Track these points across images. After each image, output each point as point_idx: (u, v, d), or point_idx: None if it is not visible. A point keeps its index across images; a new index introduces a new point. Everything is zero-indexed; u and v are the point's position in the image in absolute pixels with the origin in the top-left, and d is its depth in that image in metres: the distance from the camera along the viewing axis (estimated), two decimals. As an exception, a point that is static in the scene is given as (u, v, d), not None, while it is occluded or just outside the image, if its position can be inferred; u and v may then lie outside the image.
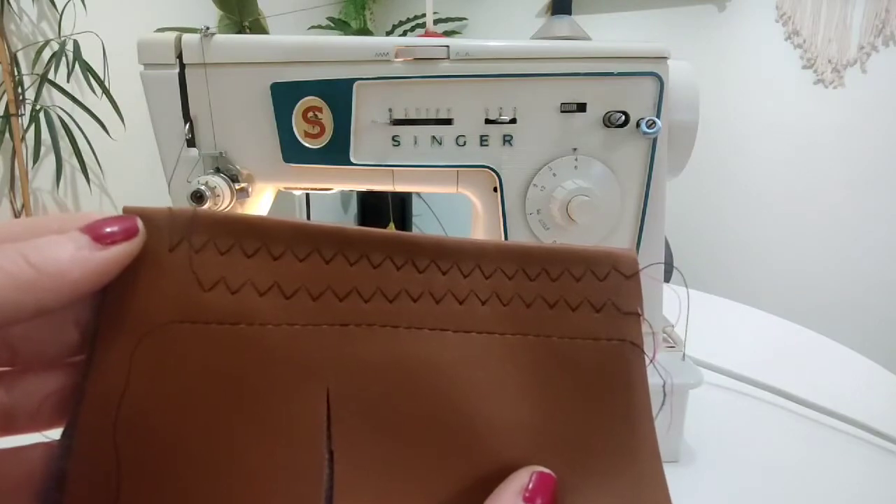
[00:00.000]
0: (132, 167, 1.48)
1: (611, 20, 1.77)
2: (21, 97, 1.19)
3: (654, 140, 0.37)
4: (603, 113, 0.37)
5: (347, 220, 2.33)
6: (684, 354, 0.42)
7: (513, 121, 0.37)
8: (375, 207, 2.07)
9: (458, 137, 0.38)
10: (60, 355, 0.17)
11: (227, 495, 0.14)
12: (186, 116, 0.38)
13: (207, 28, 0.37)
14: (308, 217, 1.93)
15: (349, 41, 0.37)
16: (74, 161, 1.31)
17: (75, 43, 1.24)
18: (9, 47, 1.15)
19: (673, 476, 0.38)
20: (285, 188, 0.44)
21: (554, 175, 0.38)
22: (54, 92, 1.26)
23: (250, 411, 0.15)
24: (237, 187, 0.39)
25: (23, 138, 1.19)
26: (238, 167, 0.40)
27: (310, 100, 0.37)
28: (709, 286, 0.83)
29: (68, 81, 1.27)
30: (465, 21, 2.01)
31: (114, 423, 0.14)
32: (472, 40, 0.37)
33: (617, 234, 0.39)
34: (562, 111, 0.37)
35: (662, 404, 0.25)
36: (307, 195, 1.92)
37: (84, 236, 0.15)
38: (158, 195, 1.52)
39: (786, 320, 0.66)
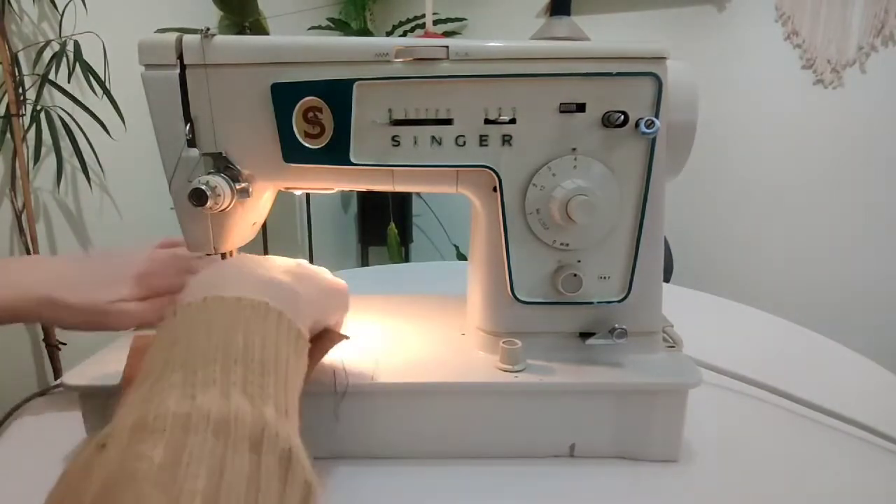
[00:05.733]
0: (133, 167, 1.48)
1: (610, 20, 1.77)
2: (22, 97, 1.19)
3: (653, 140, 0.38)
4: (602, 113, 0.37)
5: (347, 220, 2.33)
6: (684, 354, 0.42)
7: (512, 121, 0.38)
8: (375, 207, 2.07)
9: (457, 137, 0.38)
10: None
11: None
12: (187, 117, 0.38)
13: (208, 29, 0.37)
14: (308, 217, 1.93)
15: (349, 41, 0.37)
16: (75, 161, 1.31)
17: (76, 43, 1.24)
18: (9, 47, 1.15)
19: (673, 476, 0.38)
20: (285, 188, 0.44)
21: (553, 175, 0.38)
22: (55, 92, 1.26)
23: None
24: (238, 187, 0.39)
25: (24, 138, 1.19)
26: (238, 167, 0.40)
27: (310, 100, 0.37)
28: (709, 286, 0.83)
29: (69, 82, 1.27)
30: (464, 21, 2.01)
31: None
32: (472, 40, 0.37)
33: (616, 233, 0.39)
34: (561, 111, 0.37)
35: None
36: (307, 195, 1.92)
37: None
38: (159, 195, 1.52)
39: (786, 320, 0.66)
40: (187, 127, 0.38)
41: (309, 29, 2.00)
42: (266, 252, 1.71)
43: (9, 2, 1.16)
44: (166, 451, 0.19)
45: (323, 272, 0.38)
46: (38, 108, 1.21)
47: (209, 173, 0.39)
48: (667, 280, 1.33)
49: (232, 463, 0.19)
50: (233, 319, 0.26)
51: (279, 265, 0.34)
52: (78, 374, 0.38)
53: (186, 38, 0.37)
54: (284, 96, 0.37)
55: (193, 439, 0.19)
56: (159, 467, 0.18)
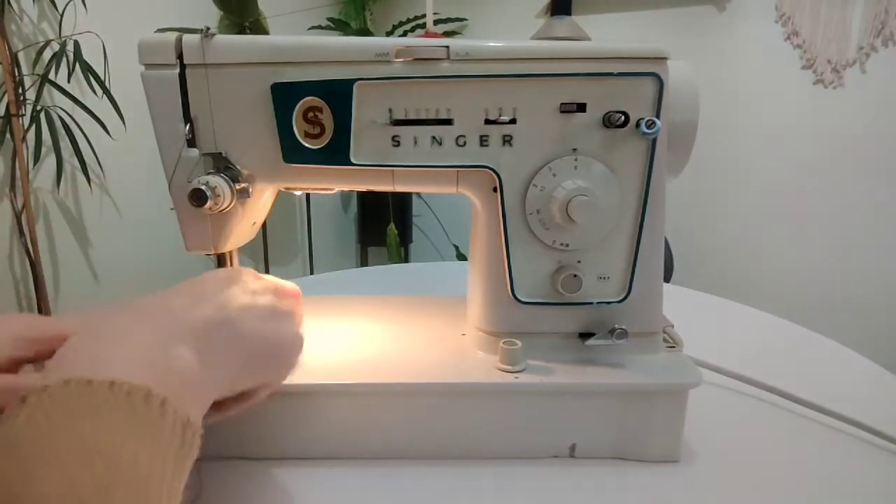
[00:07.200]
0: (133, 167, 1.48)
1: (611, 20, 1.77)
2: (22, 97, 1.19)
3: (654, 140, 0.38)
4: (603, 113, 0.37)
5: (347, 221, 2.33)
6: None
7: (513, 121, 0.37)
8: (375, 207, 2.07)
9: (458, 137, 0.38)
10: None
11: None
12: (187, 117, 0.38)
13: (208, 28, 0.37)
14: (308, 217, 1.92)
15: (349, 41, 0.37)
16: (75, 161, 1.31)
17: (76, 43, 1.24)
18: (9, 47, 1.15)
19: (673, 476, 0.38)
20: (285, 188, 0.44)
21: (554, 175, 0.38)
22: (55, 92, 1.26)
23: None
24: (237, 187, 0.39)
25: (23, 138, 1.19)
26: (238, 167, 0.40)
27: (310, 100, 0.37)
28: (709, 286, 0.83)
29: (69, 82, 1.27)
30: (465, 21, 2.01)
31: None
32: (472, 40, 0.37)
33: (616, 234, 0.39)
34: (561, 111, 0.37)
35: None
36: (307, 195, 1.92)
37: None
38: (159, 195, 1.52)
39: (785, 320, 0.66)
40: (187, 127, 0.38)
41: (309, 29, 2.00)
42: (266, 252, 1.70)
43: (9, 2, 1.16)
44: None
45: (271, 315, 0.32)
46: (38, 108, 1.21)
47: (209, 173, 0.38)
48: (667, 280, 1.33)
49: None
50: (96, 425, 0.20)
51: (193, 307, 0.28)
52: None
53: (186, 37, 0.37)
54: (284, 96, 0.37)
55: None
56: None
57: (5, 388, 0.25)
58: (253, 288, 0.33)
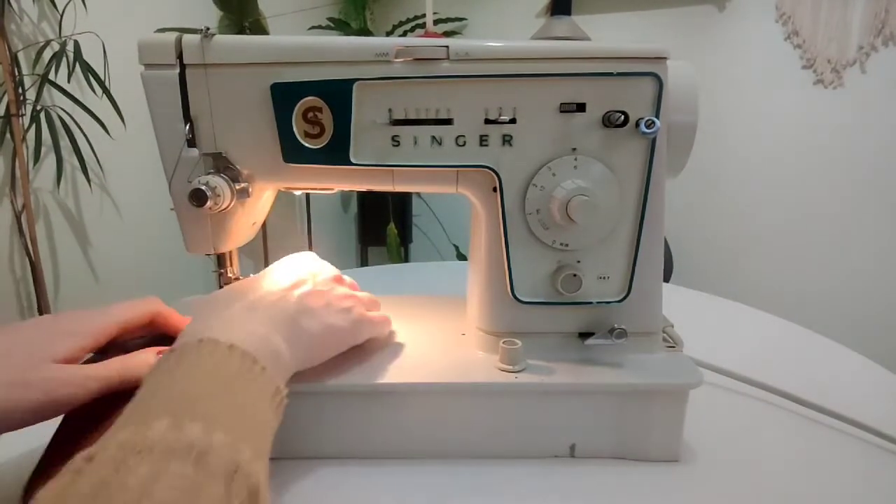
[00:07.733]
0: (133, 167, 1.48)
1: (611, 20, 1.77)
2: (22, 97, 1.19)
3: (654, 140, 0.38)
4: (602, 113, 0.37)
5: (347, 221, 2.33)
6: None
7: (512, 121, 0.38)
8: (375, 207, 2.07)
9: (457, 137, 0.38)
10: None
11: None
12: (187, 117, 0.38)
13: (208, 29, 0.37)
14: (308, 217, 1.92)
15: (349, 41, 0.37)
16: (75, 161, 1.31)
17: (76, 43, 1.24)
18: (9, 47, 1.15)
19: (673, 476, 0.38)
20: (285, 188, 0.44)
21: (553, 175, 0.38)
22: (55, 92, 1.26)
23: None
24: (237, 187, 0.39)
25: (23, 138, 1.19)
26: (238, 167, 0.40)
27: (310, 100, 0.37)
28: (709, 286, 0.83)
29: (69, 82, 1.27)
30: (465, 21, 2.01)
31: None
32: (472, 40, 0.37)
33: (616, 233, 0.39)
34: (561, 111, 0.37)
35: None
36: (307, 195, 1.92)
37: None
38: (159, 195, 1.52)
39: (785, 320, 0.66)
40: (187, 127, 0.38)
41: (309, 29, 2.00)
42: (266, 252, 1.70)
43: (8, 1, 1.16)
44: (150, 469, 0.21)
45: (343, 309, 0.39)
46: (38, 108, 1.21)
47: (209, 173, 0.38)
48: (667, 280, 1.33)
49: (208, 492, 0.21)
50: (224, 369, 0.28)
51: (282, 303, 0.36)
52: None
53: (186, 37, 0.37)
54: (284, 96, 0.37)
55: (175, 465, 0.21)
56: (141, 483, 0.20)
57: (148, 355, 0.34)
58: (325, 279, 0.41)
